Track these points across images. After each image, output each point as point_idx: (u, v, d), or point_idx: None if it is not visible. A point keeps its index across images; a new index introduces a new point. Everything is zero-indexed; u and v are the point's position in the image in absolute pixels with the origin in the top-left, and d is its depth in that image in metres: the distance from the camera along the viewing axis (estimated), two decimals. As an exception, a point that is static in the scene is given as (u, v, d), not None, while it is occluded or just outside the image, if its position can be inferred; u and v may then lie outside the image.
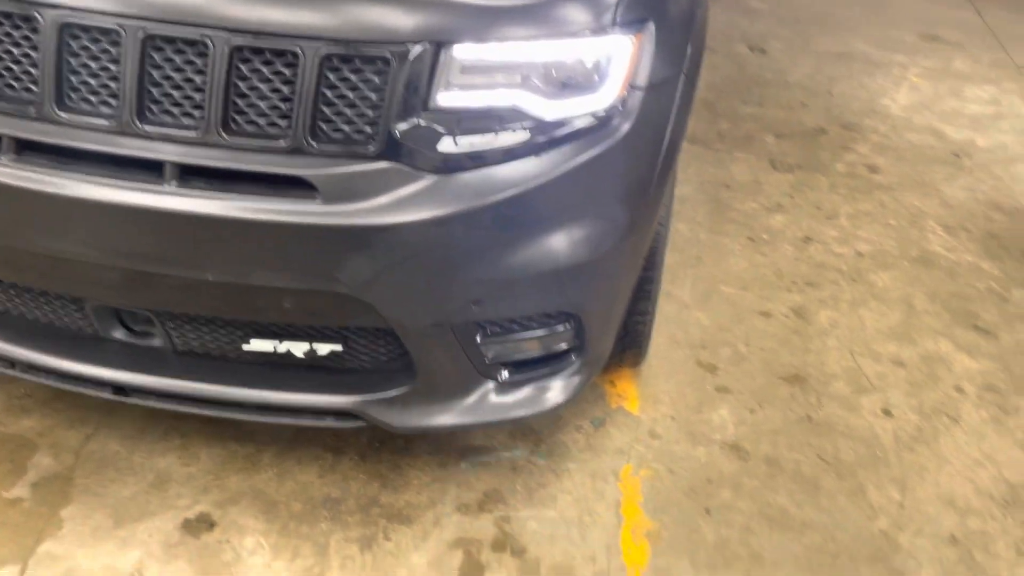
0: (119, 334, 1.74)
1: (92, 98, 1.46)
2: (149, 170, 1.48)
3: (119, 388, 1.74)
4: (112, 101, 1.46)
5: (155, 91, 1.45)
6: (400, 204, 1.50)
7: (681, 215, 3.04)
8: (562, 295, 1.69)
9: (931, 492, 2.05)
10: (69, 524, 1.83)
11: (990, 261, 3.00)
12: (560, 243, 1.63)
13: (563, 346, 1.79)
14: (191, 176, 1.48)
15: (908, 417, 2.28)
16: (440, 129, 1.49)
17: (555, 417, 2.18)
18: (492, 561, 1.83)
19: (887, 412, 2.30)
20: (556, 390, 1.83)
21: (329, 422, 1.76)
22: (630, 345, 2.17)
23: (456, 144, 1.50)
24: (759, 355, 2.48)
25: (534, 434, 2.15)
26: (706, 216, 3.13)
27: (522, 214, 1.59)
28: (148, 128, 1.46)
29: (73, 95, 1.47)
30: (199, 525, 1.85)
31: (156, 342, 1.74)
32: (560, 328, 1.75)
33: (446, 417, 1.77)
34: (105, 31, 1.41)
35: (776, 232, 3.08)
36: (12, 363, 1.76)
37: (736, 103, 4.00)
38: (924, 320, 2.67)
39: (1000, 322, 2.68)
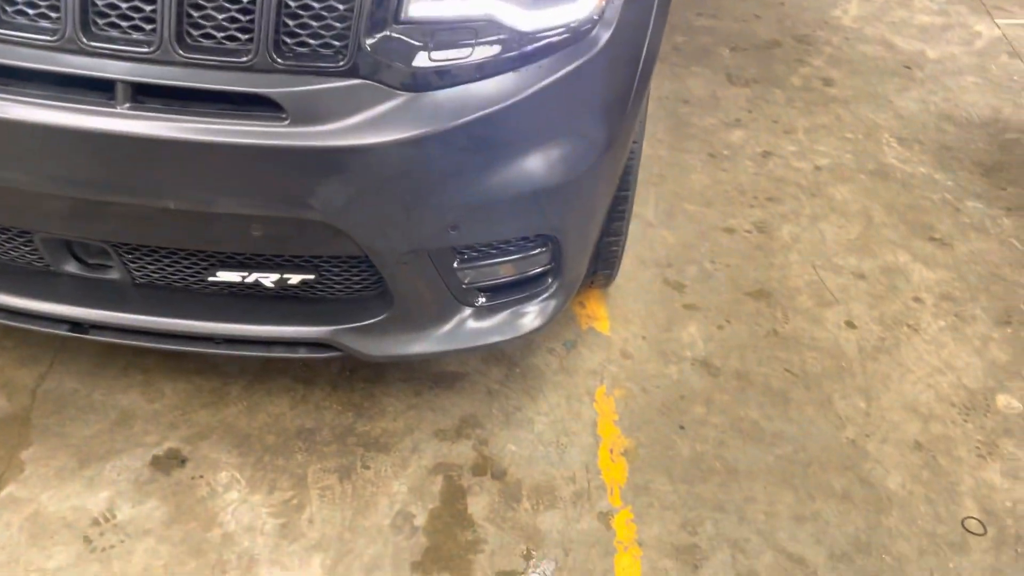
0: (72, 268, 1.64)
1: (29, 10, 1.33)
2: (99, 90, 1.37)
3: (76, 324, 1.65)
4: (52, 14, 1.33)
5: (100, 2, 1.33)
6: (372, 124, 1.42)
7: (641, 131, 2.99)
8: (540, 217, 1.65)
9: (895, 400, 2.11)
10: (31, 466, 1.75)
11: (943, 172, 3.04)
12: (538, 163, 1.57)
13: (539, 269, 1.76)
14: (145, 96, 1.38)
15: (870, 328, 2.33)
16: (413, 42, 1.40)
17: (528, 341, 2.16)
18: (473, 485, 1.83)
19: (850, 324, 2.34)
20: (532, 314, 1.80)
21: (302, 353, 1.70)
22: (602, 267, 2.14)
23: (430, 59, 1.41)
24: (725, 272, 2.48)
25: (507, 359, 2.13)
26: (666, 133, 3.09)
27: (499, 134, 1.52)
28: (95, 44, 1.34)
29: (8, 7, 1.33)
30: (169, 462, 1.80)
31: (113, 275, 1.65)
32: (537, 251, 1.71)
33: (423, 345, 1.73)
34: (40, -66, 1.28)
35: (736, 147, 3.07)
36: (-44, 301, 1.65)
37: (691, 15, 3.92)
38: (882, 232, 2.71)
39: (955, 232, 2.73)
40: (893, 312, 2.39)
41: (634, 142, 1.90)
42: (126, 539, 1.65)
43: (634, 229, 2.54)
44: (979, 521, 1.84)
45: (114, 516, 1.68)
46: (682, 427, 2.01)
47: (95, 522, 1.67)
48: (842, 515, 1.82)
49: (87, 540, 1.64)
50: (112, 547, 1.63)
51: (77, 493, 1.71)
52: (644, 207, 2.68)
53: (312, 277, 1.63)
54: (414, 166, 1.47)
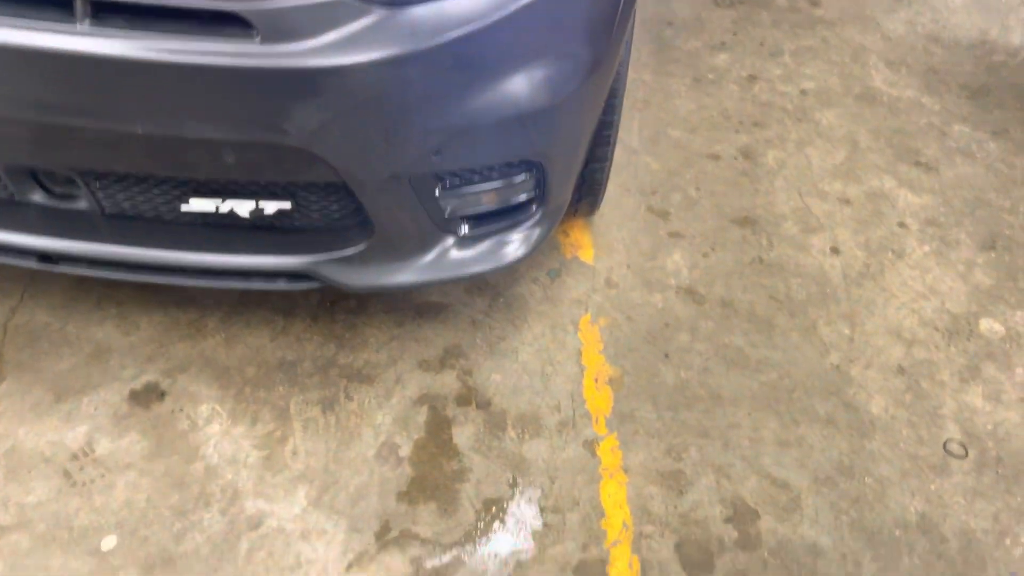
0: (38, 197, 1.58)
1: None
2: (56, 7, 1.29)
3: (45, 256, 1.59)
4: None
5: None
6: (347, 43, 1.35)
7: (625, 55, 2.91)
8: (525, 142, 1.59)
9: (879, 325, 2.11)
10: (5, 401, 1.72)
11: (930, 96, 3.00)
12: (522, 85, 1.51)
13: (524, 197, 1.71)
14: (106, 13, 1.30)
15: (855, 254, 2.31)
16: (388, -46, 1.33)
17: (512, 271, 2.12)
18: (459, 415, 1.81)
19: (835, 250, 2.32)
20: (516, 243, 1.76)
21: (281, 284, 1.66)
22: (586, 194, 2.10)
23: (409, -29, 1.34)
24: (710, 199, 2.45)
25: (491, 289, 2.09)
26: (650, 56, 3.01)
27: (481, 54, 1.45)
28: (49, -44, 1.25)
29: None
30: (148, 395, 1.77)
31: (81, 205, 1.58)
32: (521, 177, 1.66)
33: (405, 275, 1.69)
34: None
35: (721, 71, 3.00)
36: (-84, 234, 1.58)
37: (675, -67, 3.79)
38: (868, 157, 2.67)
39: (940, 157, 2.70)
40: (878, 237, 2.37)
41: (620, 64, 1.83)
42: (107, 473, 1.63)
43: (618, 156, 2.50)
44: (960, 444, 1.86)
45: (93, 450, 1.66)
46: (667, 355, 2.00)
47: (74, 456, 1.64)
48: (826, 439, 1.83)
49: (67, 474, 1.61)
50: (92, 481, 1.61)
51: (54, 428, 1.68)
52: (628, 133, 2.62)
53: (288, 206, 1.58)
54: (392, 88, 1.41)
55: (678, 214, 2.38)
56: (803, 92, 2.95)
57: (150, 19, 1.30)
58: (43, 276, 1.93)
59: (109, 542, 1.53)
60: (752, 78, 2.98)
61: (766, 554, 1.61)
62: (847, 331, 2.09)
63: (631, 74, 2.84)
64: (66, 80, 1.34)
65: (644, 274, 2.19)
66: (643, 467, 1.76)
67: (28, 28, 1.28)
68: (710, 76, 2.96)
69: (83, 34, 1.28)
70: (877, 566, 1.61)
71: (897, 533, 1.67)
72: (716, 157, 2.60)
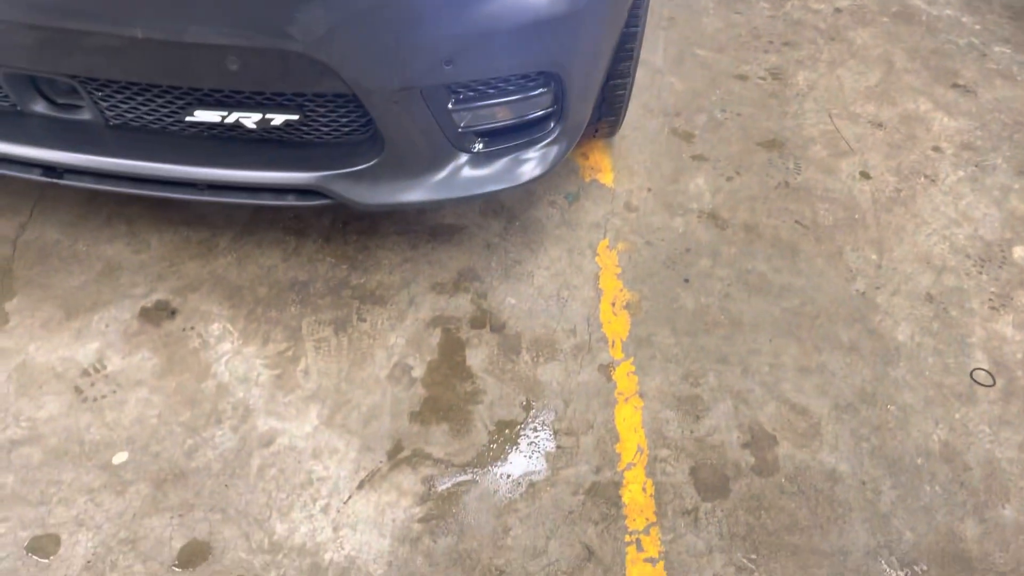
0: (41, 108, 1.53)
1: None
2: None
3: (50, 169, 1.56)
4: None
5: None
6: (356, -59, 1.28)
7: (651, -29, 2.79)
8: (542, 51, 1.52)
9: (908, 252, 2.04)
10: (16, 317, 1.70)
11: (971, 15, 2.85)
12: (539, -10, 1.43)
13: (541, 112, 1.64)
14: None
15: (886, 179, 2.23)
16: None
17: (528, 193, 2.07)
18: (472, 337, 1.78)
19: (865, 175, 2.24)
20: (533, 162, 1.70)
21: (290, 200, 1.61)
22: (606, 113, 2.02)
23: None
24: (735, 121, 2.36)
25: (507, 211, 2.04)
26: (677, -28, 2.88)
27: (497, -46, 1.38)
28: None
29: None
30: (159, 313, 1.75)
31: (85, 116, 1.54)
32: (538, 91, 1.59)
33: (416, 193, 1.64)
34: None
35: (752, -12, 2.87)
36: (-81, 145, 1.55)
37: None
38: (903, 79, 2.56)
39: (979, 79, 2.58)
40: (911, 162, 2.28)
41: (645, -29, 1.74)
42: (118, 389, 1.62)
43: (641, 76, 2.41)
44: (988, 372, 1.80)
45: (104, 367, 1.65)
46: (687, 280, 1.94)
47: (85, 373, 1.64)
48: (848, 367, 1.79)
49: (78, 390, 1.61)
50: (104, 397, 1.60)
51: (65, 344, 1.67)
52: (652, 53, 2.52)
53: (296, 117, 1.52)
54: (403, -10, 1.34)
55: (702, 136, 2.30)
56: (837, 10, 2.81)
57: (147, -87, 1.24)
58: (52, 193, 1.90)
59: (121, 457, 1.53)
60: (784, -4, 2.85)
61: (783, 480, 1.58)
62: (874, 257, 2.02)
63: (657, -9, 2.73)
64: (62, -20, 1.28)
65: (665, 198, 2.12)
66: (659, 392, 1.73)
67: (19, -78, 1.22)
68: (740, -7, 2.84)
69: (77, -71, 1.22)
70: (897, 493, 1.57)
71: (919, 461, 1.63)
72: (743, 78, 2.50)
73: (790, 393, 1.74)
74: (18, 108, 1.54)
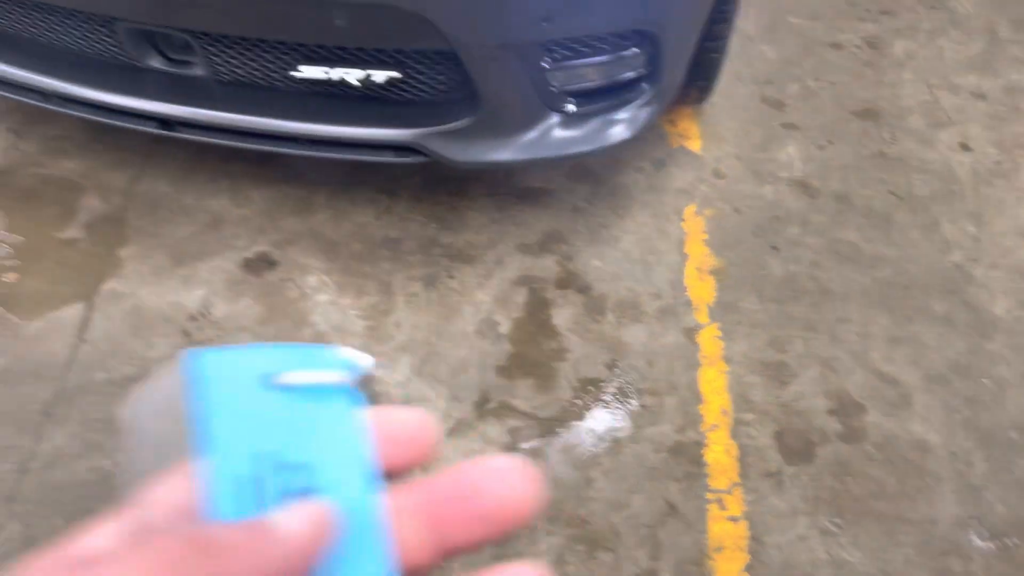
0: (156, 62, 1.61)
1: None
2: None
3: (164, 121, 1.64)
4: None
5: None
6: (462, -102, 1.31)
7: (745, -62, 2.74)
8: (639, 10, 1.53)
9: (1008, 225, 1.98)
10: (129, 264, 1.80)
11: (1085, -15, 2.72)
12: (640, -52, 1.44)
13: (634, 73, 1.65)
14: None
15: (987, 151, 2.16)
16: None
17: (614, 158, 2.07)
18: (557, 298, 1.81)
19: (965, 146, 2.17)
20: (623, 124, 1.71)
21: (387, 156, 1.66)
22: (698, 78, 2.01)
23: None
24: (829, 90, 2.31)
25: (594, 176, 2.06)
26: (772, -61, 2.82)
27: (599, -88, 1.39)
28: None
29: None
30: (260, 264, 1.83)
31: (198, 71, 1.61)
32: (632, 51, 1.60)
33: (508, 151, 1.67)
34: None
35: (849, -44, 2.79)
36: (46, 95, 1.65)
37: None
38: (1007, 50, 2.47)
39: (1092, 51, 2.47)
40: (1014, 134, 2.21)
41: (744, -69, 1.72)
42: (222, 333, 1.70)
43: (732, 44, 2.38)
44: (1090, 350, 1.75)
45: (210, 312, 1.73)
46: (775, 247, 1.93)
47: (192, 317, 1.73)
48: (941, 338, 1.75)
49: (185, 333, 1.70)
50: (210, 340, 1.69)
51: (174, 290, 1.76)
52: (744, 20, 2.48)
53: (398, 75, 1.57)
54: (506, -53, 1.36)
55: (794, 105, 2.26)
56: (939, -21, 2.72)
57: None
58: (161, 149, 1.99)
59: (224, 397, 1.61)
60: (883, -36, 2.77)
61: (870, 447, 1.57)
62: (972, 230, 1.97)
63: (751, -42, 2.68)
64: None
65: (754, 165, 2.10)
66: (745, 357, 1.73)
67: None
68: (837, -39, 2.76)
69: None
70: (988, 466, 1.55)
71: (1013, 435, 1.60)
72: (838, 46, 2.45)
73: (879, 362, 1.72)
74: (136, 64, 1.63)
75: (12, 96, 1.70)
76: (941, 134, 2.20)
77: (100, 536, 0.25)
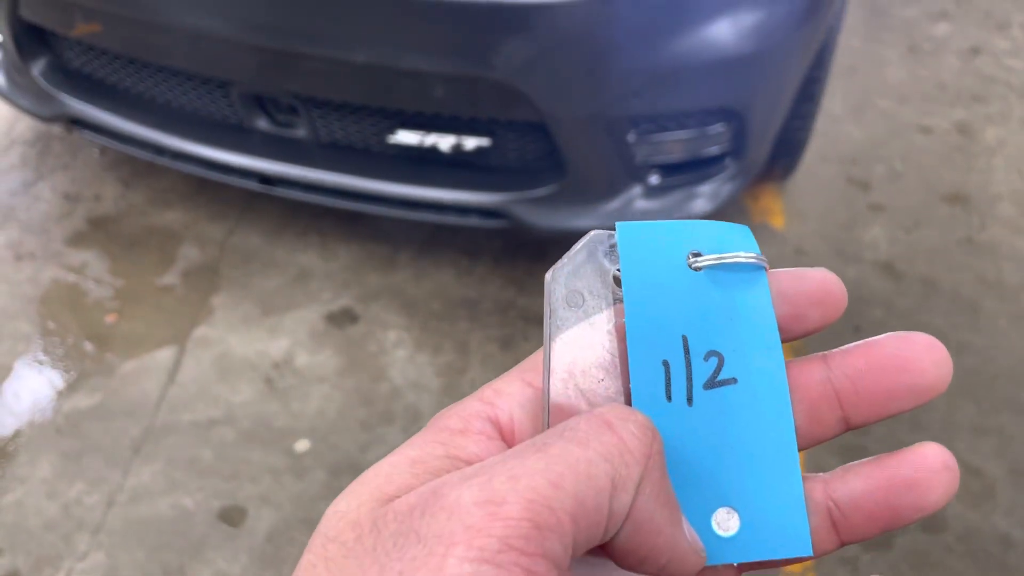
0: (263, 123, 1.71)
1: None
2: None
3: (265, 178, 1.73)
4: None
5: None
6: (560, -20, 1.37)
7: (833, 21, 2.77)
8: (726, 89, 1.56)
9: (1105, 320, 1.91)
10: (220, 311, 1.89)
11: None
12: (729, 29, 1.48)
13: (718, 149, 1.68)
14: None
15: (1082, 242, 2.10)
16: None
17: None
18: (632, 366, 1.81)
19: (1058, 236, 2.12)
20: (705, 197, 1.73)
21: (472, 220, 1.72)
22: (782, 155, 2.03)
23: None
24: (917, 172, 2.29)
25: (672, 245, 2.07)
26: (861, 23, 2.85)
27: (690, -6, 1.44)
28: None
29: None
30: (342, 318, 1.89)
31: (300, 133, 1.71)
32: (718, 128, 1.63)
33: (590, 220, 1.70)
34: None
35: (940, 42, 2.79)
36: (160, 150, 1.77)
37: None
38: (1106, 140, 2.41)
39: None
40: (1112, 226, 2.14)
41: (834, 15, 1.75)
42: (303, 383, 1.76)
43: (819, 123, 2.38)
44: None
45: (293, 362, 1.79)
46: (857, 328, 1.90)
47: (276, 365, 1.79)
48: (1031, 432, 1.69)
49: (268, 380, 1.76)
50: (291, 389, 1.74)
51: (260, 339, 1.83)
52: (831, 100, 2.50)
53: (487, 142, 1.63)
54: (598, 25, 1.42)
55: (880, 186, 2.25)
56: (1033, 67, 2.69)
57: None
58: (257, 203, 2.10)
59: (302, 445, 1.66)
60: (975, 50, 2.76)
61: (951, 539, 1.51)
62: (1066, 322, 1.91)
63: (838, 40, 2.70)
64: (299, 4, 1.44)
65: (838, 245, 2.09)
66: (822, 438, 1.69)
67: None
68: (926, 46, 2.77)
69: (317, -36, 1.38)
70: (1082, 571, 1.47)
71: (1109, 539, 1.51)
72: (927, 130, 2.43)
73: (963, 452, 1.66)
74: (244, 124, 1.73)
75: (128, 150, 1.82)
76: (1033, 222, 2.15)
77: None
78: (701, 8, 1.44)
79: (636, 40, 1.43)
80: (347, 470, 1.61)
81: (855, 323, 1.92)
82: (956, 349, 1.86)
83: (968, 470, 1.63)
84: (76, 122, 1.82)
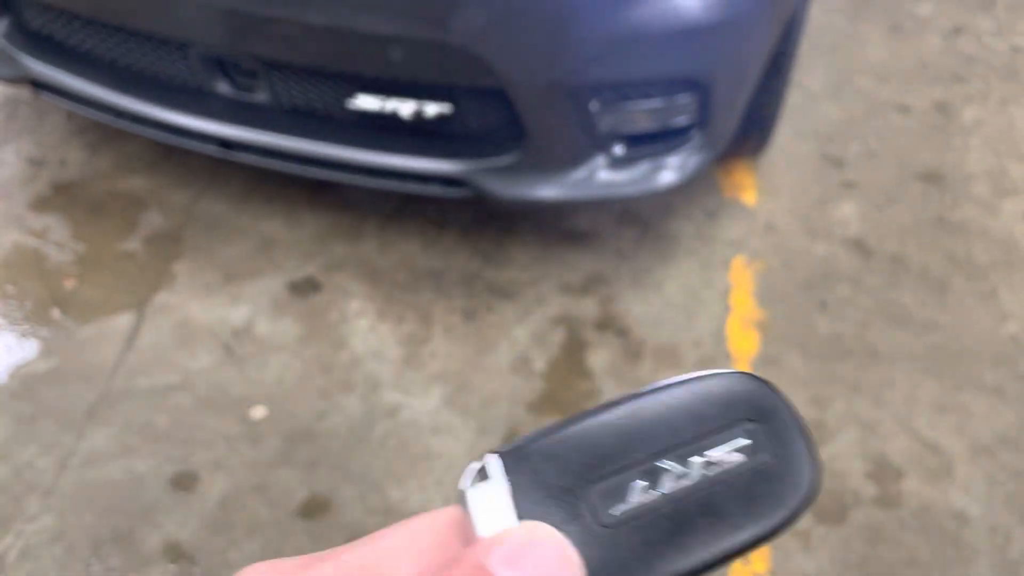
0: (224, 87, 1.69)
1: None
2: None
3: (225, 143, 1.71)
4: None
5: None
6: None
7: (816, 1, 2.74)
8: (690, 58, 1.54)
9: (1073, 300, 1.90)
10: (181, 278, 1.87)
11: None
12: (693, -3, 1.46)
13: (684, 120, 1.66)
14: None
15: (1055, 223, 2.09)
16: None
17: (665, 205, 2.07)
18: (595, 339, 1.80)
19: (1031, 216, 2.10)
20: (671, 169, 1.71)
21: (434, 188, 1.70)
22: (753, 129, 2.01)
23: None
24: (893, 151, 2.28)
25: (642, 221, 2.06)
26: (845, 2, 2.82)
27: (653, -40, 1.41)
28: None
29: None
30: (305, 286, 1.87)
31: (260, 97, 1.69)
32: (683, 99, 1.61)
33: (553, 190, 1.69)
34: None
35: (923, 21, 2.76)
36: (121, 113, 1.74)
37: None
38: (1085, 122, 2.39)
39: None
40: (1085, 207, 2.13)
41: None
42: (262, 351, 1.74)
43: (795, 100, 2.36)
44: None
45: (253, 329, 1.78)
46: (823, 305, 1.89)
47: (235, 333, 1.77)
48: (991, 409, 1.68)
49: (227, 348, 1.74)
50: (250, 356, 1.73)
51: (221, 305, 1.82)
52: (810, 77, 2.47)
53: (449, 110, 1.61)
54: (558, -10, 1.40)
55: (855, 163, 2.23)
56: (1015, 48, 2.67)
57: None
58: (224, 171, 2.08)
59: (259, 412, 1.65)
60: (957, 30, 2.73)
61: (906, 514, 1.50)
62: (1033, 301, 1.90)
63: (820, 18, 2.67)
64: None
65: (809, 221, 2.07)
66: (782, 413, 1.68)
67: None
68: (909, 25, 2.74)
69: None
70: (1034, 547, 1.47)
71: (1063, 516, 1.51)
72: (905, 109, 2.41)
73: (923, 429, 1.66)
74: (204, 88, 1.71)
75: (89, 113, 1.79)
76: (1006, 203, 2.14)
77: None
78: (662, -27, 1.42)
79: (595, 5, 1.41)
80: (303, 438, 1.60)
81: (822, 298, 1.91)
82: (922, 326, 1.85)
83: (927, 446, 1.62)
84: (38, 85, 1.80)
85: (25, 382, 1.67)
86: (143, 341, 1.75)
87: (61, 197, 2.02)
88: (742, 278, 1.95)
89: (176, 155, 2.07)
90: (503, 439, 1.62)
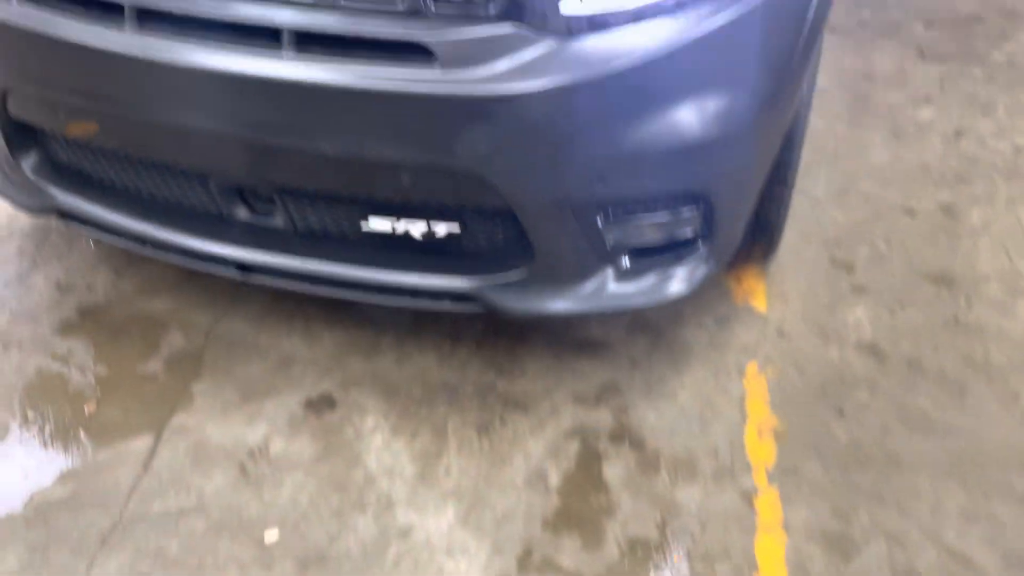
0: (242, 213, 1.75)
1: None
2: (267, 37, 1.45)
3: (243, 266, 1.76)
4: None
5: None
6: (521, 71, 1.42)
7: (817, 109, 2.80)
8: (692, 174, 1.58)
9: (1096, 400, 1.87)
10: (200, 398, 1.89)
11: None
12: (692, 117, 1.51)
13: (689, 232, 1.69)
14: (308, 43, 1.44)
15: (1071, 321, 2.07)
16: (564, -13, 1.39)
17: (676, 313, 2.09)
18: (610, 451, 1.79)
19: (1047, 316, 2.09)
20: (679, 279, 1.73)
21: (446, 305, 1.73)
22: (760, 237, 2.04)
23: (581, 2, 1.39)
24: (901, 254, 2.29)
25: (654, 330, 2.07)
26: (845, 109, 2.90)
27: (651, 83, 1.47)
28: (265, -8, 1.42)
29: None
30: (322, 404, 1.88)
31: (278, 222, 1.74)
32: (687, 212, 1.64)
33: (563, 303, 1.71)
34: None
35: (924, 125, 2.83)
36: (143, 240, 1.80)
37: (881, -12, 3.66)
38: (1093, 219, 2.41)
39: None
40: (1101, 305, 2.12)
41: (801, 101, 1.79)
42: (277, 471, 1.74)
43: (801, 207, 2.41)
44: None
45: (268, 449, 1.78)
46: (840, 411, 1.87)
47: (251, 453, 1.78)
48: (1021, 518, 1.63)
49: (243, 468, 1.75)
50: (265, 477, 1.73)
51: (238, 424, 1.83)
52: (814, 184, 2.52)
53: (457, 229, 1.65)
54: (560, 115, 1.45)
55: (864, 267, 2.25)
56: (1017, 148, 2.71)
57: (345, 48, 1.44)
58: (245, 291, 2.12)
59: (272, 535, 1.63)
60: (959, 133, 2.79)
61: (940, 633, 1.44)
62: (1056, 403, 1.87)
63: (821, 125, 2.75)
64: (271, 102, 1.49)
65: (821, 326, 2.08)
66: (805, 525, 1.65)
67: (241, 55, 1.45)
68: (910, 130, 2.80)
69: (288, 60, 1.44)
70: (1078, 666, 1.40)
71: (1106, 632, 1.44)
72: (911, 212, 2.44)
73: (953, 540, 1.61)
74: (223, 214, 1.77)
75: (113, 240, 1.86)
76: (1020, 303, 2.13)
77: None
78: (659, 98, 1.47)
79: (597, 128, 1.47)
80: (316, 561, 1.58)
81: (839, 404, 1.89)
82: (943, 431, 1.82)
83: (957, 559, 1.57)
84: (64, 214, 1.87)
85: (39, 509, 1.67)
86: (159, 463, 1.75)
87: (86, 321, 2.07)
88: (757, 385, 1.94)
89: (198, 276, 2.13)
90: (518, 559, 1.59)
